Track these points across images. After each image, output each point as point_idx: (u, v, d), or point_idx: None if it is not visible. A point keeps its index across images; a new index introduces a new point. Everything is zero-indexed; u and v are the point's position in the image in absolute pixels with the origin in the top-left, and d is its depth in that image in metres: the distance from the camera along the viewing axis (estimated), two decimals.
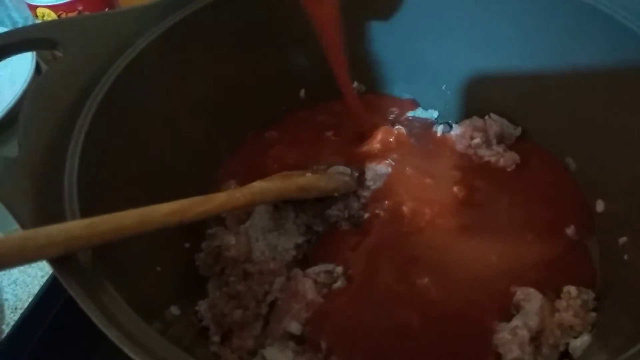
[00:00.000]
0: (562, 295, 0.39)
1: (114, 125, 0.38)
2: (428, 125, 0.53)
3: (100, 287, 0.29)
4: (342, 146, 0.50)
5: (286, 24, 0.49)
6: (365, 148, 0.49)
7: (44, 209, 0.31)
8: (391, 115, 0.54)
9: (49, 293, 0.45)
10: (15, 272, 0.51)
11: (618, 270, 0.39)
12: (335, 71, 0.47)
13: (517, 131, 0.50)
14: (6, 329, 0.46)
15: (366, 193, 0.46)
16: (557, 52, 0.44)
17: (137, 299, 0.30)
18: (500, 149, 0.48)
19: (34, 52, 0.64)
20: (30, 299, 0.47)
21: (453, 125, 0.52)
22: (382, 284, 0.40)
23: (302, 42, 0.50)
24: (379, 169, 0.47)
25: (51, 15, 0.62)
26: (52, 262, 0.29)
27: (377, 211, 0.45)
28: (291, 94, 0.54)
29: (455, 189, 0.46)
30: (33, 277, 0.50)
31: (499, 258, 0.41)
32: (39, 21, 0.63)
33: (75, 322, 0.30)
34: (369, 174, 0.47)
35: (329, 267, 0.42)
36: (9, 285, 0.50)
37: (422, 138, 0.51)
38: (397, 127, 0.50)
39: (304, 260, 0.45)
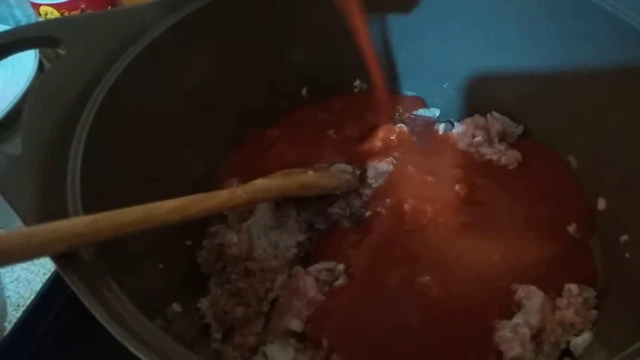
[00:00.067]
0: (563, 293, 0.39)
1: (117, 123, 0.38)
2: (430, 123, 0.53)
3: (102, 283, 0.29)
4: (344, 144, 0.50)
5: (288, 22, 0.49)
6: (367, 146, 0.49)
7: (46, 206, 0.31)
8: (394, 113, 0.54)
9: (52, 290, 0.46)
10: (18, 269, 0.51)
11: (619, 269, 0.39)
12: (366, 63, 0.47)
13: (519, 129, 0.50)
14: (8, 326, 0.46)
15: (368, 191, 0.46)
16: (559, 50, 0.44)
17: (140, 296, 0.30)
18: (502, 147, 0.48)
19: (37, 50, 0.64)
20: (32, 297, 0.47)
21: (455, 124, 0.52)
22: (383, 282, 0.41)
23: (303, 41, 0.50)
24: (380, 167, 0.47)
25: (54, 14, 0.63)
26: (55, 258, 0.29)
27: (378, 209, 0.45)
28: (293, 92, 0.54)
29: (456, 187, 0.46)
30: (35, 274, 0.50)
31: (500, 256, 0.41)
32: (41, 19, 0.63)
33: (78, 319, 0.30)
34: (370, 172, 0.47)
35: (331, 264, 0.42)
36: (11, 282, 0.50)
37: (423, 136, 0.51)
38: (398, 125, 0.50)
39: (305, 258, 0.45)
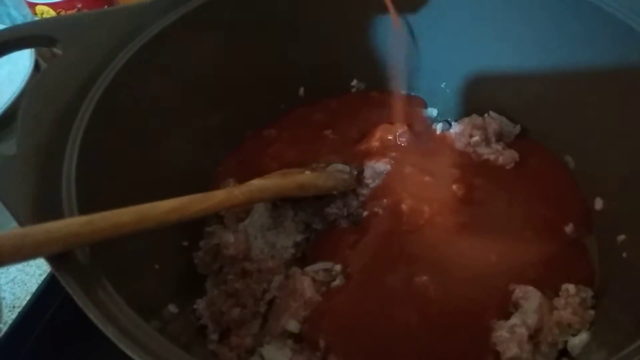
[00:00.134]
0: (560, 293, 0.39)
1: (113, 123, 0.38)
2: (427, 122, 0.53)
3: (98, 285, 0.29)
4: (341, 144, 0.50)
5: (286, 21, 0.49)
6: (364, 146, 0.49)
7: (42, 206, 0.31)
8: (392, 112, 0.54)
9: (47, 292, 0.45)
10: (14, 271, 0.50)
11: (616, 268, 0.39)
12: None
13: (516, 129, 0.50)
14: (4, 328, 0.46)
15: (365, 191, 0.46)
16: (557, 50, 0.44)
17: (135, 296, 0.30)
18: (499, 147, 0.48)
19: (33, 50, 0.64)
20: (28, 298, 0.47)
21: (452, 123, 0.52)
22: (380, 282, 0.40)
23: (301, 40, 0.50)
24: (377, 167, 0.47)
25: (50, 13, 0.62)
26: (50, 259, 0.29)
27: (375, 209, 0.45)
28: (290, 92, 0.54)
29: (454, 187, 0.46)
30: (31, 275, 0.50)
31: (497, 256, 0.41)
32: (37, 18, 0.63)
33: (74, 321, 0.30)
34: (367, 172, 0.47)
35: (328, 265, 0.42)
36: (7, 283, 0.50)
37: (421, 136, 0.51)
38: (396, 125, 0.50)
39: (302, 259, 0.45)
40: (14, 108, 0.59)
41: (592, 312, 0.38)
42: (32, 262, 0.51)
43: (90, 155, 0.35)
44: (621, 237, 0.39)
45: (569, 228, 0.43)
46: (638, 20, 0.37)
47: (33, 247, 0.27)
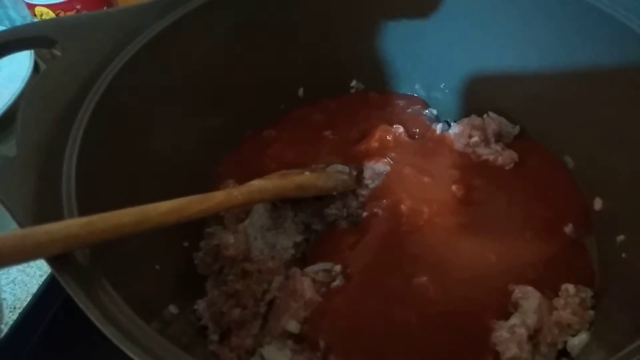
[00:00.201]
0: (560, 294, 0.39)
1: (112, 124, 0.38)
2: (426, 123, 0.53)
3: (98, 285, 0.29)
4: (341, 145, 0.50)
5: (285, 22, 0.49)
6: (364, 147, 0.49)
7: (42, 207, 0.31)
8: (391, 113, 0.54)
9: (48, 292, 0.46)
10: (14, 272, 0.50)
11: (616, 269, 0.39)
12: None
13: (516, 130, 0.50)
14: (5, 329, 0.46)
15: (364, 192, 0.46)
16: (556, 51, 0.44)
17: (136, 297, 0.30)
18: (498, 147, 0.48)
19: (32, 51, 0.64)
20: (28, 299, 0.47)
21: (451, 124, 0.52)
22: (380, 283, 0.40)
23: (300, 41, 0.50)
24: (377, 168, 0.47)
25: (49, 14, 0.62)
26: (50, 260, 0.29)
27: (375, 210, 0.45)
28: (289, 93, 0.54)
29: (453, 187, 0.46)
30: (32, 276, 0.50)
31: (497, 256, 0.41)
32: (37, 20, 0.63)
33: (74, 322, 0.30)
34: (367, 173, 0.47)
35: (328, 265, 0.42)
36: (7, 284, 0.50)
37: (420, 136, 0.51)
38: (395, 125, 0.50)
39: (302, 259, 0.45)
40: (13, 109, 0.59)
41: (591, 312, 0.38)
42: (32, 263, 0.51)
43: (90, 156, 0.35)
44: (620, 238, 0.39)
45: (568, 228, 0.43)
46: (636, 21, 0.37)
47: (33, 248, 0.27)
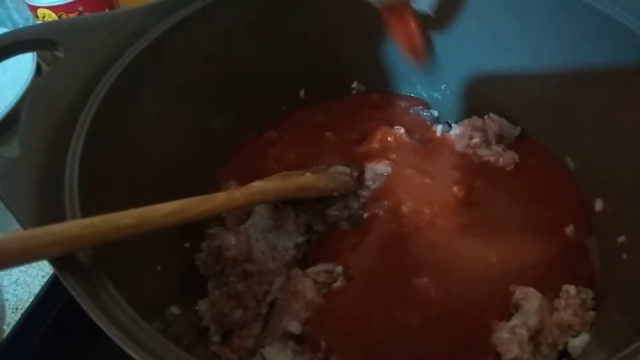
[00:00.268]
0: (561, 295, 0.39)
1: (114, 126, 0.38)
2: (427, 124, 0.53)
3: (100, 286, 0.29)
4: (342, 146, 0.50)
5: (286, 23, 0.49)
6: (365, 148, 0.49)
7: (44, 209, 0.31)
8: (392, 114, 0.54)
9: (50, 293, 0.46)
10: (16, 272, 0.51)
11: (617, 270, 0.39)
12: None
13: (516, 131, 0.50)
14: (7, 329, 0.46)
15: (366, 193, 0.46)
16: (556, 52, 0.44)
17: (138, 298, 0.30)
18: (499, 148, 0.48)
19: (35, 53, 0.64)
20: (31, 299, 0.47)
21: (452, 125, 0.52)
22: (381, 284, 0.41)
23: (302, 42, 0.50)
24: (378, 169, 0.47)
25: (52, 16, 0.63)
26: (53, 261, 0.29)
27: (376, 211, 0.45)
28: (291, 94, 0.54)
29: (454, 188, 0.46)
30: (34, 277, 0.50)
31: (498, 257, 0.41)
32: (39, 22, 0.63)
33: (76, 322, 0.30)
34: (368, 174, 0.47)
35: (329, 266, 0.42)
36: (9, 285, 0.50)
37: (421, 138, 0.51)
38: (396, 127, 0.50)
39: (303, 260, 0.45)
40: (16, 111, 0.59)
41: (592, 313, 0.38)
42: (34, 264, 0.51)
43: (93, 158, 0.35)
44: (621, 239, 0.39)
45: (569, 229, 0.43)
46: (636, 22, 0.37)
47: (36, 249, 0.27)
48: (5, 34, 0.40)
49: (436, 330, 0.38)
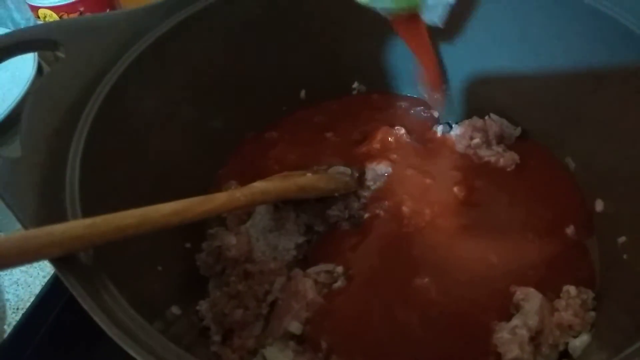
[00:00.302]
0: (561, 295, 0.39)
1: (116, 126, 0.38)
2: (428, 125, 0.53)
3: (101, 286, 0.29)
4: (342, 146, 0.50)
5: (287, 24, 0.49)
6: (365, 148, 0.49)
7: (45, 209, 0.32)
8: (393, 115, 0.54)
9: (51, 293, 0.46)
10: (17, 273, 0.51)
11: (617, 270, 0.39)
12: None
13: (517, 131, 0.50)
14: (8, 329, 0.46)
15: (366, 193, 0.47)
16: (556, 52, 0.44)
17: (138, 298, 0.30)
18: (500, 149, 0.48)
19: (36, 53, 0.64)
20: (31, 299, 0.47)
21: (453, 126, 0.52)
22: (382, 284, 0.41)
23: (303, 43, 0.50)
24: (379, 169, 0.47)
25: (53, 17, 0.63)
26: (54, 261, 0.29)
27: (377, 211, 0.45)
28: (291, 95, 0.54)
29: (455, 189, 0.46)
30: (35, 277, 0.50)
31: (498, 258, 0.41)
32: (40, 22, 0.63)
33: (77, 322, 0.30)
34: (369, 174, 0.47)
35: (329, 267, 0.42)
36: (10, 285, 0.50)
37: (422, 138, 0.51)
38: (396, 127, 0.51)
39: (304, 260, 0.45)
40: (17, 111, 0.59)
41: (592, 313, 0.38)
42: (35, 264, 0.51)
43: (94, 158, 0.35)
44: (622, 239, 0.39)
45: (569, 230, 0.43)
46: (636, 22, 0.37)
47: (37, 249, 0.27)
48: (7, 34, 0.40)
49: (436, 330, 0.38)
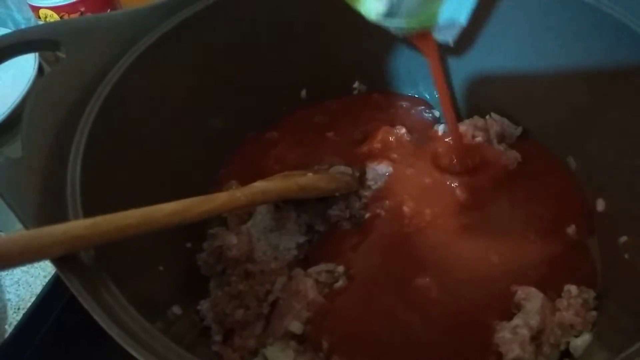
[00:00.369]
0: (562, 295, 0.39)
1: (116, 126, 0.38)
2: (429, 124, 0.53)
3: (102, 286, 0.29)
4: (343, 146, 0.50)
5: (288, 23, 0.49)
6: (366, 148, 0.49)
7: (47, 209, 0.32)
8: (394, 114, 0.54)
9: (52, 293, 0.46)
10: (18, 272, 0.51)
11: (618, 269, 0.39)
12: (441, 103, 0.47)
13: (518, 131, 0.50)
14: (9, 329, 0.46)
15: (367, 193, 0.47)
16: (557, 52, 0.44)
17: (140, 298, 0.30)
18: (501, 148, 0.48)
19: (37, 54, 0.64)
20: (32, 299, 0.48)
21: None
22: (383, 284, 0.41)
23: (303, 42, 0.50)
24: (379, 169, 0.47)
25: (54, 17, 0.63)
26: (55, 261, 0.29)
27: (378, 211, 0.45)
28: (292, 94, 0.54)
29: (456, 188, 0.45)
30: (35, 277, 0.50)
31: (499, 257, 0.41)
32: (41, 22, 0.64)
33: (78, 322, 0.30)
34: (369, 174, 0.47)
35: (330, 266, 0.42)
36: (11, 285, 0.50)
37: (423, 138, 0.51)
38: (397, 127, 0.50)
39: (305, 260, 0.45)
40: (18, 111, 0.59)
41: (594, 313, 0.38)
42: (36, 264, 0.51)
43: (95, 158, 0.35)
44: (623, 239, 0.39)
45: (571, 229, 0.43)
46: (636, 21, 0.37)
47: (38, 249, 0.27)
48: (8, 35, 0.40)
49: (437, 330, 0.38)
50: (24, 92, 0.61)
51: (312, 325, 0.39)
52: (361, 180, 0.47)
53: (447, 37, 0.46)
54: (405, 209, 0.44)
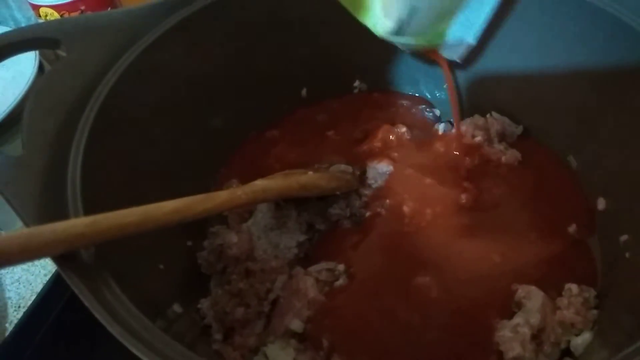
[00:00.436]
0: (563, 293, 0.39)
1: (116, 124, 0.38)
2: (430, 123, 0.53)
3: (103, 284, 0.29)
4: (344, 145, 0.50)
5: (288, 22, 0.49)
6: (367, 147, 0.49)
7: (47, 207, 0.32)
8: (394, 113, 0.54)
9: (52, 291, 0.46)
10: (19, 271, 0.51)
11: (619, 268, 0.39)
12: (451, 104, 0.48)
13: (519, 129, 0.50)
14: (9, 328, 0.46)
15: (367, 192, 0.46)
16: (558, 51, 0.44)
17: (140, 296, 0.30)
18: (501, 147, 0.48)
19: (37, 52, 0.64)
20: (33, 298, 0.48)
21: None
22: (383, 282, 0.41)
23: (304, 41, 0.50)
24: (380, 168, 0.47)
25: (54, 15, 0.63)
26: (56, 259, 0.29)
27: (378, 210, 0.45)
28: (293, 93, 0.54)
29: (456, 187, 0.45)
30: (36, 275, 0.50)
31: (500, 256, 0.41)
32: (41, 21, 0.64)
33: (79, 320, 0.30)
34: (370, 173, 0.47)
35: (331, 265, 0.42)
36: (12, 283, 0.50)
37: (423, 136, 0.51)
38: (398, 125, 0.50)
39: (305, 259, 0.45)
40: (19, 109, 0.59)
41: (594, 312, 0.38)
42: (37, 262, 0.51)
43: (95, 156, 0.35)
44: (624, 237, 0.39)
45: (571, 228, 0.43)
46: (638, 21, 0.37)
47: (39, 247, 0.27)
48: (8, 33, 0.40)
49: (438, 328, 0.38)
50: (24, 91, 0.61)
51: (313, 324, 0.39)
52: (361, 179, 0.47)
53: (454, 55, 0.46)
54: (406, 207, 0.44)
